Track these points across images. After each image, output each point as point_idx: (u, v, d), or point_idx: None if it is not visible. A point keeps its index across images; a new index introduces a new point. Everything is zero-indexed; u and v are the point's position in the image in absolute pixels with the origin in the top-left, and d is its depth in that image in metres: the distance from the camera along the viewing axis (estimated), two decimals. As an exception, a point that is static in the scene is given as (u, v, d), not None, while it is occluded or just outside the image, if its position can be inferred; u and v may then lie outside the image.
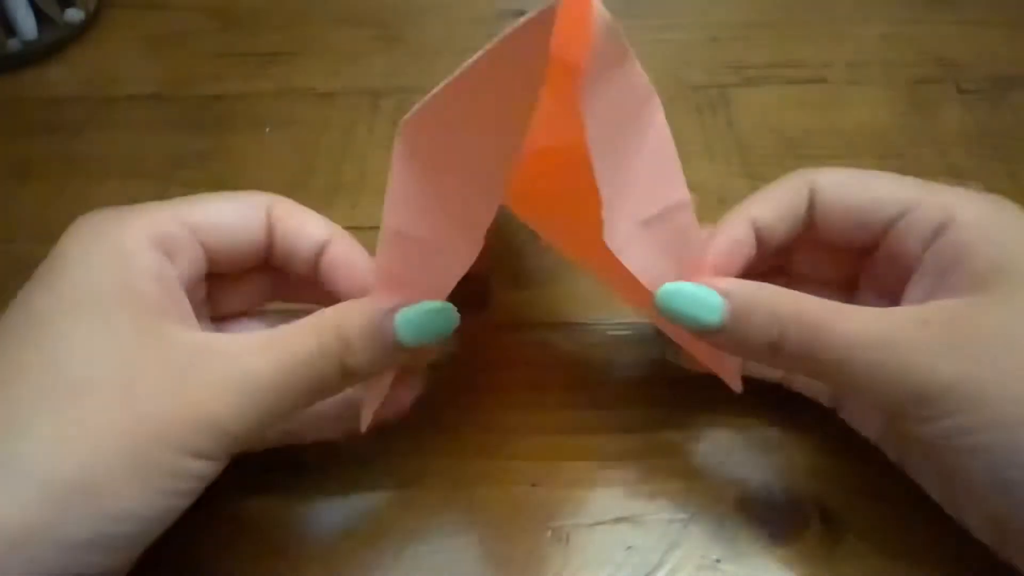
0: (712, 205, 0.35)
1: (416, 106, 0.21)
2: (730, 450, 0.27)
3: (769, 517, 0.25)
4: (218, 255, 0.23)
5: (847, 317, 0.21)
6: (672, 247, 0.23)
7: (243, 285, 0.26)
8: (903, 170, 0.36)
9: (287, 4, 0.45)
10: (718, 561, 0.25)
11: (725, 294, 0.22)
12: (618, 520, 0.26)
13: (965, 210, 0.22)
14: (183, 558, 0.24)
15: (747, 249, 0.24)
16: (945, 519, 0.24)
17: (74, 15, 0.43)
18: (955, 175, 0.36)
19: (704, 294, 0.22)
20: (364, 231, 0.34)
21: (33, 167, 0.37)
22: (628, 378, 0.29)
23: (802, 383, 0.27)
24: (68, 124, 0.39)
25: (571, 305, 0.31)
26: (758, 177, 0.36)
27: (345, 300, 0.24)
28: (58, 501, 0.18)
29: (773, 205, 0.25)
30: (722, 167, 0.37)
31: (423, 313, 0.22)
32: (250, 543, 0.25)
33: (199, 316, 0.23)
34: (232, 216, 0.23)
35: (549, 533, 0.25)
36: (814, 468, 0.26)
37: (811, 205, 0.24)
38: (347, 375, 0.22)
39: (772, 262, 0.27)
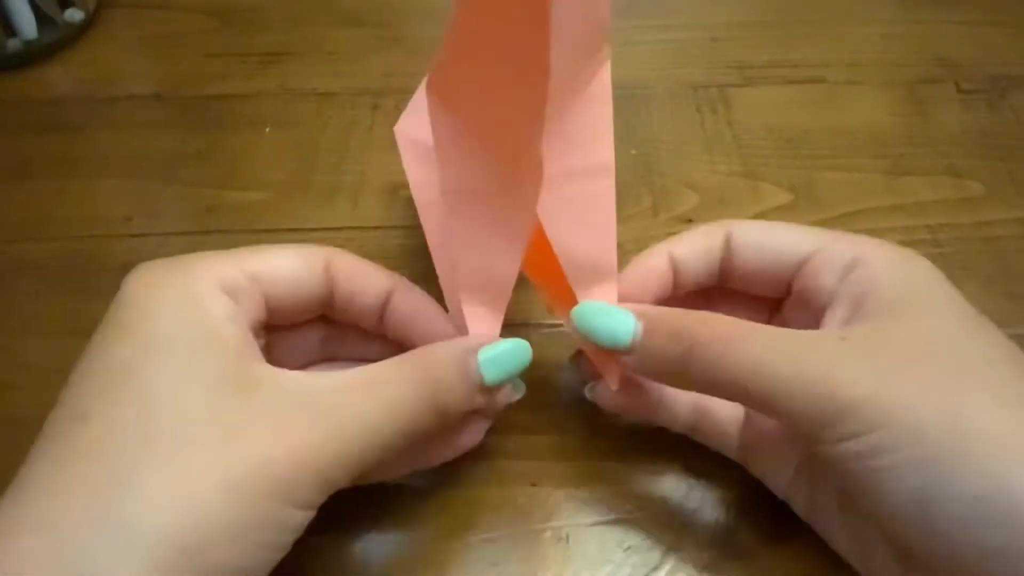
0: (712, 205, 0.35)
1: (435, 61, 0.21)
2: (730, 450, 0.27)
3: (769, 517, 0.25)
4: (277, 306, 0.23)
5: (760, 331, 0.21)
6: (585, 209, 0.23)
7: (296, 339, 0.25)
8: (903, 170, 0.36)
9: (287, 4, 0.45)
10: (718, 561, 0.25)
11: (638, 314, 0.23)
12: (618, 520, 0.26)
13: (872, 252, 0.23)
14: None
15: (661, 277, 0.25)
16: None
17: (74, 15, 0.43)
18: (955, 175, 0.36)
19: (618, 312, 0.23)
20: (364, 231, 0.34)
21: (33, 167, 0.37)
22: (628, 378, 0.29)
23: (707, 433, 0.26)
24: (68, 124, 0.39)
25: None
26: (758, 177, 0.36)
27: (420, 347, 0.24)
28: (166, 563, 0.17)
29: (690, 243, 0.25)
30: (722, 167, 0.37)
31: (501, 351, 0.23)
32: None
33: None
34: (292, 267, 0.23)
35: (549, 533, 0.25)
36: (814, 468, 0.26)
37: (727, 248, 0.25)
38: (440, 415, 0.22)
39: None
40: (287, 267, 0.23)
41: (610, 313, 0.23)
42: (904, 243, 0.24)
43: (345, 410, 0.20)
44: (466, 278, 0.23)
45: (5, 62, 0.41)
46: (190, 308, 0.20)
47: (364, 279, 0.24)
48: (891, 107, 0.39)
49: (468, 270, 0.23)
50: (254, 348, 0.21)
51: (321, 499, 0.20)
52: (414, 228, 0.34)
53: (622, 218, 0.35)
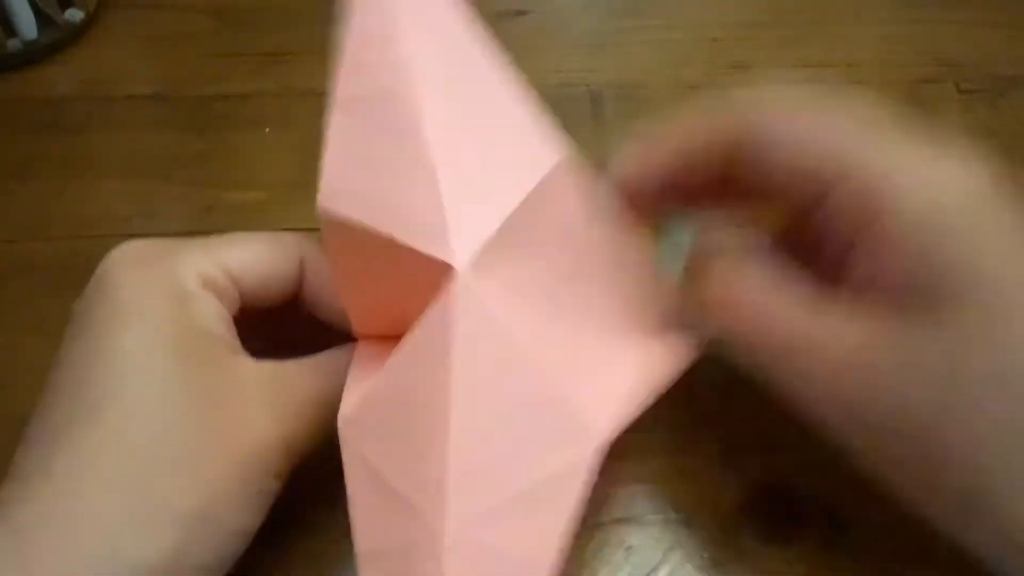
0: (712, 205, 0.35)
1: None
2: (730, 450, 0.27)
3: (769, 517, 0.25)
4: (249, 298, 0.24)
5: (821, 337, 0.20)
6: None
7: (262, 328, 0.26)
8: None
9: (287, 4, 0.45)
10: (718, 561, 0.25)
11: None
12: (618, 520, 0.26)
13: (904, 190, 0.19)
14: None
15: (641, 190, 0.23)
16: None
17: (74, 15, 0.43)
18: (955, 175, 0.36)
19: None
20: (364, 231, 0.34)
21: (33, 167, 0.37)
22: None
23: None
24: (68, 124, 0.39)
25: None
26: (758, 177, 0.36)
27: None
28: (192, 533, 0.20)
29: (685, 144, 0.22)
30: (722, 167, 0.36)
31: None
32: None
33: None
34: (266, 260, 0.24)
35: (549, 533, 0.25)
36: (814, 468, 0.26)
37: (737, 156, 0.21)
38: None
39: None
40: (262, 259, 0.24)
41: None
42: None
43: (305, 392, 0.23)
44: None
45: (5, 62, 0.41)
46: (180, 304, 0.21)
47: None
48: (891, 107, 0.39)
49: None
50: (236, 340, 0.23)
51: (292, 468, 0.22)
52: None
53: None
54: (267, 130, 0.39)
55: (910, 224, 0.18)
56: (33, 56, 0.42)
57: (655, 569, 0.25)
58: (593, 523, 0.26)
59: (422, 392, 0.20)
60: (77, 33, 0.43)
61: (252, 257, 0.24)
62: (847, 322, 0.19)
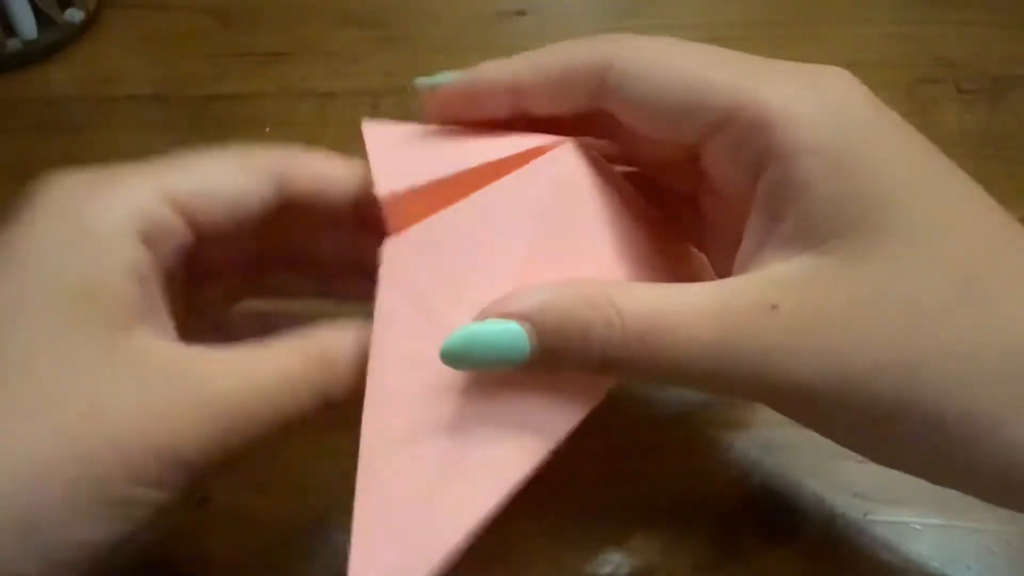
0: (712, 205, 0.35)
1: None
2: (730, 450, 0.27)
3: (769, 517, 0.25)
4: (210, 224, 0.21)
5: (678, 313, 0.18)
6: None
7: (227, 273, 0.24)
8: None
9: (287, 4, 0.45)
10: (718, 561, 0.25)
11: (528, 318, 0.18)
12: (618, 519, 0.26)
13: (796, 125, 0.18)
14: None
15: (494, 100, 0.21)
16: (946, 518, 0.24)
17: (74, 15, 0.43)
18: (955, 175, 0.36)
19: (501, 331, 0.18)
20: (364, 231, 0.34)
21: (33, 167, 0.37)
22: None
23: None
24: (68, 124, 0.39)
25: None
26: (758, 177, 0.36)
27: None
28: (4, 534, 0.16)
29: (546, 72, 0.20)
30: (722, 167, 0.36)
31: None
32: (251, 535, 0.25)
33: (176, 305, 0.21)
34: (230, 180, 0.21)
35: (549, 532, 0.25)
36: (814, 468, 0.26)
37: (603, 90, 0.20)
38: (327, 404, 0.20)
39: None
40: (225, 182, 0.21)
41: (491, 337, 0.18)
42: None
43: (216, 389, 0.18)
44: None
45: (5, 62, 0.41)
46: (90, 253, 0.19)
47: (328, 176, 0.22)
48: (891, 107, 0.39)
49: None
50: (155, 306, 0.20)
51: (183, 479, 0.18)
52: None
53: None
54: (267, 130, 0.39)
55: (808, 151, 0.17)
56: (33, 56, 0.42)
57: (655, 569, 0.25)
58: (592, 523, 0.26)
59: (502, 229, 0.20)
60: (77, 33, 0.43)
61: (212, 179, 0.21)
62: (754, 290, 0.18)
